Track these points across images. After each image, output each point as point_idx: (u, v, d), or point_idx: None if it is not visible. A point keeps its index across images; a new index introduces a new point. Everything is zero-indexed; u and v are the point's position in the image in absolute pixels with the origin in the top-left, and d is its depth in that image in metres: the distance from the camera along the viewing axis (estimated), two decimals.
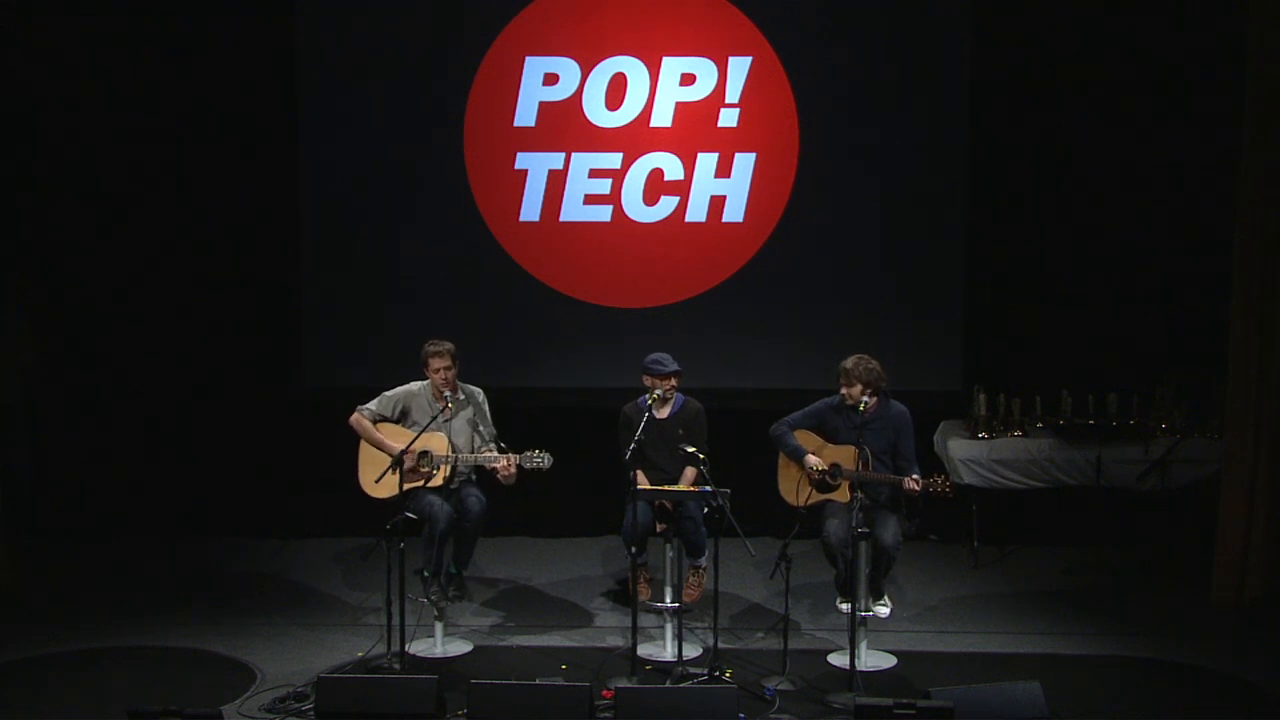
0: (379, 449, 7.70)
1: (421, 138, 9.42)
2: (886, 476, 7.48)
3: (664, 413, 7.90)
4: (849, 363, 7.56)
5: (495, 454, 7.65)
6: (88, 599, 8.37)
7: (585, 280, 9.49)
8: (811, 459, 7.57)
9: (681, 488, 7.61)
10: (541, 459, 7.51)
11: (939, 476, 7.45)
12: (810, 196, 9.37)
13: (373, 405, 7.84)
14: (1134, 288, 9.39)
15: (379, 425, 7.80)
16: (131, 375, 9.57)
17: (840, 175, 9.38)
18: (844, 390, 7.55)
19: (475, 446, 7.78)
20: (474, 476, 7.80)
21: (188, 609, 8.19)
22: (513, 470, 7.55)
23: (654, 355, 7.87)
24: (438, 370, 7.71)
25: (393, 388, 7.89)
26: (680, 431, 7.77)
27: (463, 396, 7.82)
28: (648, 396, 7.71)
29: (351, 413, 7.84)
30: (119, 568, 8.99)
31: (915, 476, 7.38)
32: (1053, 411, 9.16)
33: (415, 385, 7.87)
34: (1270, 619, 8.00)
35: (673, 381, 7.83)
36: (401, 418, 7.83)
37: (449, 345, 7.76)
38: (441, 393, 7.69)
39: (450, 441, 7.70)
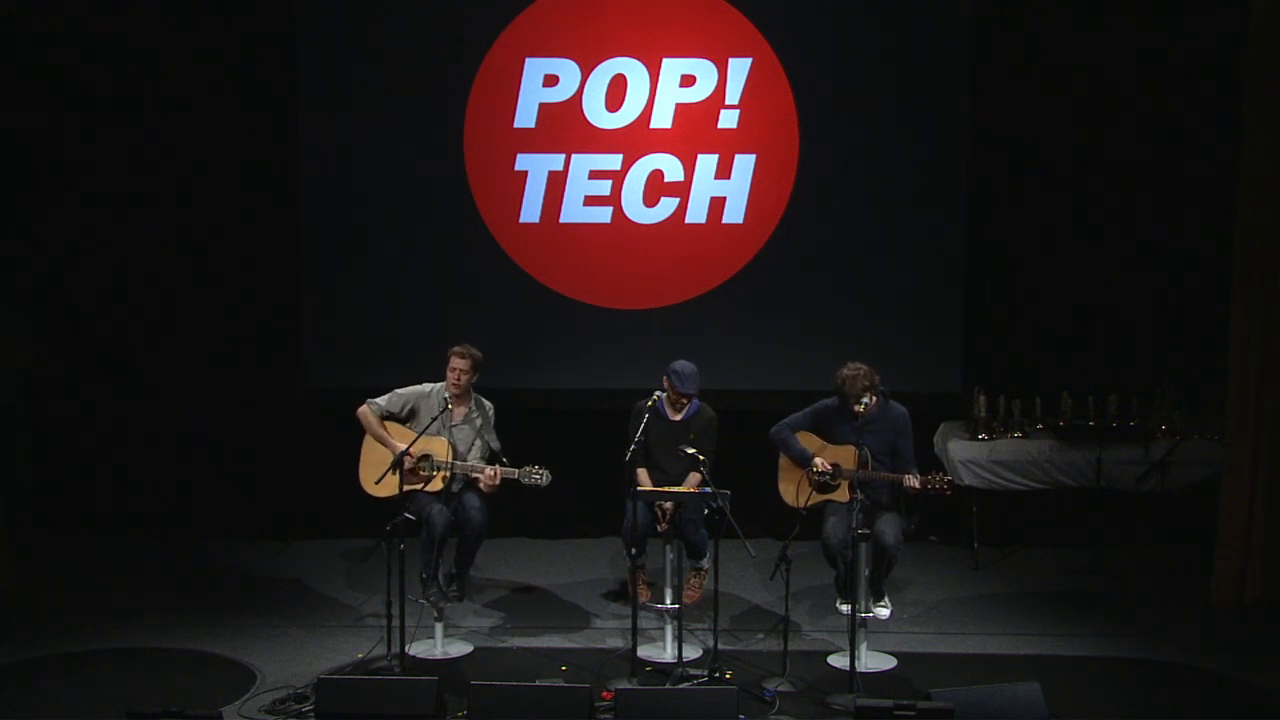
0: (381, 444, 7.69)
1: (421, 139, 9.41)
2: (887, 476, 7.47)
3: (677, 415, 7.88)
4: (848, 371, 7.48)
5: (482, 464, 7.63)
6: (88, 599, 8.37)
7: (585, 282, 9.48)
8: (819, 461, 7.57)
9: (682, 489, 7.60)
10: (540, 476, 7.48)
11: (937, 474, 7.45)
12: (810, 197, 9.37)
13: (382, 401, 7.82)
14: (1134, 288, 9.38)
15: (386, 423, 7.80)
16: (132, 375, 9.57)
17: (840, 175, 9.37)
18: (854, 405, 7.40)
19: (478, 455, 7.76)
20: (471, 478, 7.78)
21: (188, 609, 8.20)
22: (496, 482, 7.53)
23: (680, 365, 7.75)
24: (454, 369, 7.67)
25: (403, 386, 7.86)
26: (691, 436, 7.69)
27: (473, 406, 7.81)
28: (660, 396, 7.68)
29: (355, 411, 7.81)
30: (119, 568, 9.00)
31: (914, 474, 7.39)
32: (1053, 413, 9.16)
33: (428, 386, 7.83)
34: (1270, 619, 8.01)
35: (685, 402, 7.78)
36: (410, 417, 7.81)
37: (476, 353, 7.71)
38: (447, 395, 7.67)
39: (453, 447, 7.68)
